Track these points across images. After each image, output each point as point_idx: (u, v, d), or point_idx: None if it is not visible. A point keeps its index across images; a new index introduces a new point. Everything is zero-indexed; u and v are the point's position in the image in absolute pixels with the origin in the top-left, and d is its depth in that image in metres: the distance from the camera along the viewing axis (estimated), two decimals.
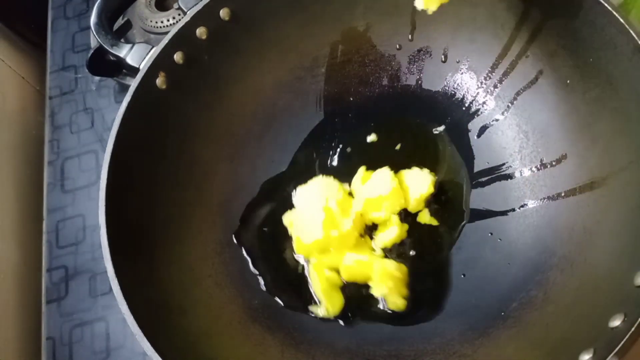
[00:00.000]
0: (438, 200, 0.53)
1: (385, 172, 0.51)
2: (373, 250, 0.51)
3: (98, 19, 0.53)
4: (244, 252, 0.53)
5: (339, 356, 0.48)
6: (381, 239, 0.51)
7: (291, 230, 0.52)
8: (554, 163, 0.50)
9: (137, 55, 0.49)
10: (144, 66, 0.48)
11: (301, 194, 0.52)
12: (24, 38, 0.76)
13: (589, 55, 0.45)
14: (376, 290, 0.48)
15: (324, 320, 0.50)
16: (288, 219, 0.53)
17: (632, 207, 0.42)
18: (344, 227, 0.49)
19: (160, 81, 0.48)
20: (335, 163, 0.57)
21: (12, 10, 0.74)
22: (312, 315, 0.50)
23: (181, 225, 0.50)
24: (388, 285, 0.47)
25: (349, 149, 0.58)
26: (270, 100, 0.58)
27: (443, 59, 0.57)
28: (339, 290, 0.50)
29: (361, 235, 0.51)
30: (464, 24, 0.54)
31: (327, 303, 0.49)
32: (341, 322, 0.50)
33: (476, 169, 0.54)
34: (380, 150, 0.57)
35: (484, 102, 0.56)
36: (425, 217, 0.53)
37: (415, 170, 0.53)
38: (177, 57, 0.49)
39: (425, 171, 0.52)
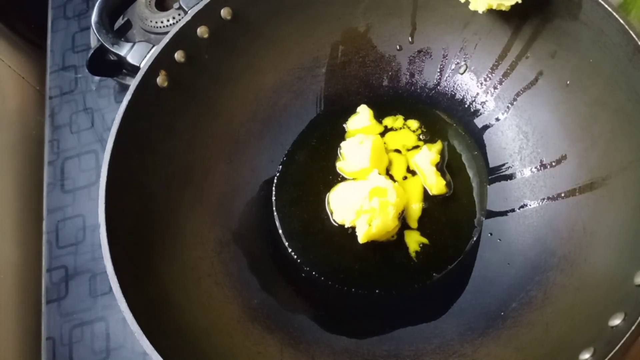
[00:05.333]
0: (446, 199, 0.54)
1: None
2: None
3: (99, 17, 0.53)
4: (244, 252, 0.53)
5: (338, 356, 0.48)
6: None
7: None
8: (553, 163, 0.50)
9: (137, 54, 0.49)
10: (144, 65, 0.48)
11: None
12: (24, 38, 0.76)
13: (588, 55, 0.45)
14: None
15: (323, 320, 0.50)
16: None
17: (632, 207, 0.42)
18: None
19: (160, 80, 0.48)
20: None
21: (12, 10, 0.74)
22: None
23: (181, 225, 0.50)
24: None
25: None
26: (270, 100, 0.58)
27: (443, 60, 0.57)
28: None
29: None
30: (464, 24, 0.54)
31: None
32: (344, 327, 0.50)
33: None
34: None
35: (483, 103, 0.56)
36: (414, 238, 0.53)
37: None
38: (178, 56, 0.49)
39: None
